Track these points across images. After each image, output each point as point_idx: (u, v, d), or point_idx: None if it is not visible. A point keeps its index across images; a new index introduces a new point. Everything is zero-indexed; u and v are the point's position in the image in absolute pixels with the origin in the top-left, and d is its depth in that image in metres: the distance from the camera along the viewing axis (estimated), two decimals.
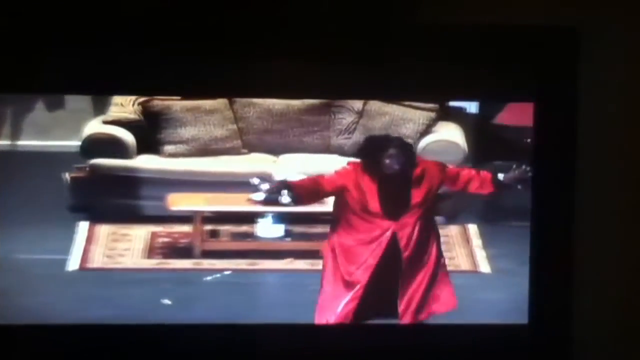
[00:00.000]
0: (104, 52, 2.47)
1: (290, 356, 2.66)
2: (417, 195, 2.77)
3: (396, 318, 2.77)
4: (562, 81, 2.41)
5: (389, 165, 2.77)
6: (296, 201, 2.87)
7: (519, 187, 2.82)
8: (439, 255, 2.82)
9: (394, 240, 2.76)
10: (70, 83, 2.56)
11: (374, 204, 2.77)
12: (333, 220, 2.85)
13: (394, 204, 2.78)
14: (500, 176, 2.82)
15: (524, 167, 2.79)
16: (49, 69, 2.53)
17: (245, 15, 2.46)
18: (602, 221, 2.54)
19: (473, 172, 2.84)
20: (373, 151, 2.80)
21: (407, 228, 2.76)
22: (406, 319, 2.77)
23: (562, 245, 2.46)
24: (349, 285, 2.78)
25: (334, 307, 2.77)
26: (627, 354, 2.55)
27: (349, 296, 2.77)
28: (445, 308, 2.78)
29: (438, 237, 2.83)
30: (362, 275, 2.78)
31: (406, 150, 2.83)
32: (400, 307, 2.77)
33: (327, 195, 2.84)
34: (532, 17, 2.45)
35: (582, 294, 2.50)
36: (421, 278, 2.78)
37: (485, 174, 2.83)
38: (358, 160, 2.83)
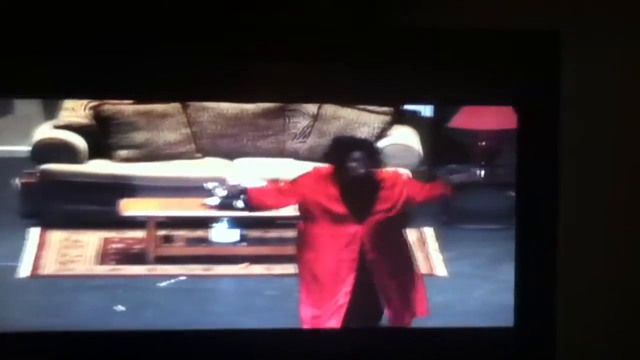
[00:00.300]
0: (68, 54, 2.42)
1: None
2: (383, 202, 2.73)
3: (381, 322, 2.72)
4: (545, 84, 2.41)
5: (354, 169, 2.72)
6: (250, 209, 2.84)
7: (472, 186, 2.82)
8: (411, 260, 2.78)
9: (362, 244, 2.72)
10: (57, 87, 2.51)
11: (340, 208, 2.72)
12: (302, 228, 2.77)
13: (360, 207, 2.73)
14: (452, 177, 2.81)
15: (471, 169, 2.79)
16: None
17: (200, 17, 2.44)
18: (586, 223, 2.55)
19: (432, 183, 2.83)
20: (338, 154, 2.74)
21: (374, 232, 2.72)
22: (392, 323, 2.73)
23: (546, 247, 2.46)
24: (329, 291, 2.73)
25: (319, 314, 2.71)
26: (615, 355, 2.56)
27: (334, 302, 2.71)
28: (419, 313, 2.74)
29: (407, 242, 2.79)
30: (342, 281, 2.73)
31: (373, 152, 2.78)
32: (385, 311, 2.73)
33: (288, 205, 2.79)
34: (516, 20, 2.46)
35: (567, 297, 2.51)
36: (395, 282, 2.74)
37: (440, 181, 2.83)
38: (323, 164, 2.77)
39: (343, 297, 2.72)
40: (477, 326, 2.55)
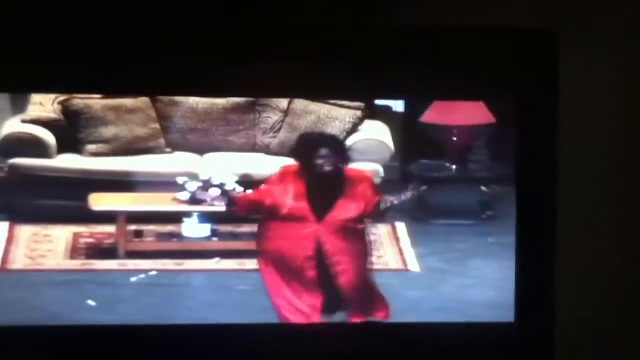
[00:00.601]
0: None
1: (217, 357, 2.63)
2: (346, 201, 2.71)
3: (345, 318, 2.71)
4: (544, 82, 2.42)
5: (320, 166, 2.70)
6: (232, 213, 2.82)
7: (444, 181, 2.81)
8: (371, 262, 2.76)
9: (320, 243, 2.70)
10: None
11: (302, 205, 2.72)
12: (261, 224, 2.77)
13: (322, 205, 2.71)
14: (389, 200, 2.75)
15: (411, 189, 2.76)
16: None
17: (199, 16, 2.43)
18: (585, 221, 2.57)
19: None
20: (304, 151, 2.72)
21: (333, 231, 2.70)
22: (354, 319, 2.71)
23: (545, 243, 2.47)
24: (295, 286, 2.71)
25: (291, 309, 2.71)
26: (615, 352, 2.58)
27: (309, 300, 2.71)
28: (379, 316, 2.71)
29: (368, 243, 2.76)
30: (304, 277, 2.71)
31: (340, 149, 2.75)
32: (346, 309, 2.71)
33: (263, 206, 2.75)
34: (514, 18, 2.47)
35: (566, 292, 2.52)
36: (354, 283, 2.72)
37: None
38: (290, 162, 2.75)
39: (315, 295, 2.71)
40: (475, 321, 2.54)
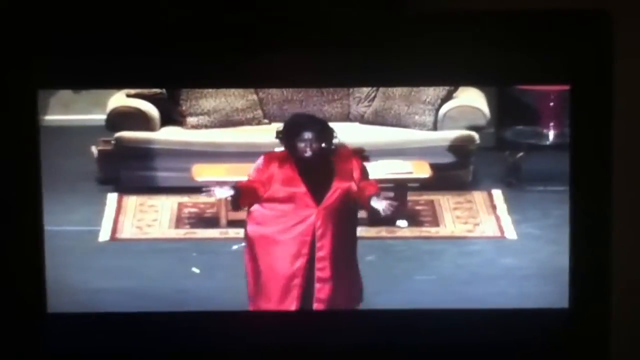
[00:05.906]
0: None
1: None
2: (340, 179, 2.68)
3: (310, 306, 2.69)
4: (596, 64, 2.35)
5: (303, 150, 2.66)
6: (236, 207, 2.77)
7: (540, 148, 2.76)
8: (353, 247, 2.71)
9: (312, 228, 2.68)
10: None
11: (301, 189, 2.68)
12: (250, 213, 2.75)
13: (318, 187, 2.68)
14: (374, 200, 2.69)
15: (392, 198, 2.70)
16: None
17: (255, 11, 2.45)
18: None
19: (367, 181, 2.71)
20: (289, 135, 2.69)
21: (329, 214, 2.67)
22: (321, 307, 2.68)
23: (600, 232, 2.41)
24: (277, 276, 2.71)
25: (273, 298, 2.70)
26: None
27: (283, 287, 2.70)
28: (349, 303, 2.68)
29: (354, 229, 2.73)
30: (291, 265, 2.71)
31: (324, 134, 2.69)
32: (319, 295, 2.69)
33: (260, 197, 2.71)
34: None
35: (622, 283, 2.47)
36: (335, 269, 2.70)
37: (373, 189, 2.71)
38: (276, 149, 2.74)
39: (290, 278, 2.69)
40: (526, 307, 2.51)
